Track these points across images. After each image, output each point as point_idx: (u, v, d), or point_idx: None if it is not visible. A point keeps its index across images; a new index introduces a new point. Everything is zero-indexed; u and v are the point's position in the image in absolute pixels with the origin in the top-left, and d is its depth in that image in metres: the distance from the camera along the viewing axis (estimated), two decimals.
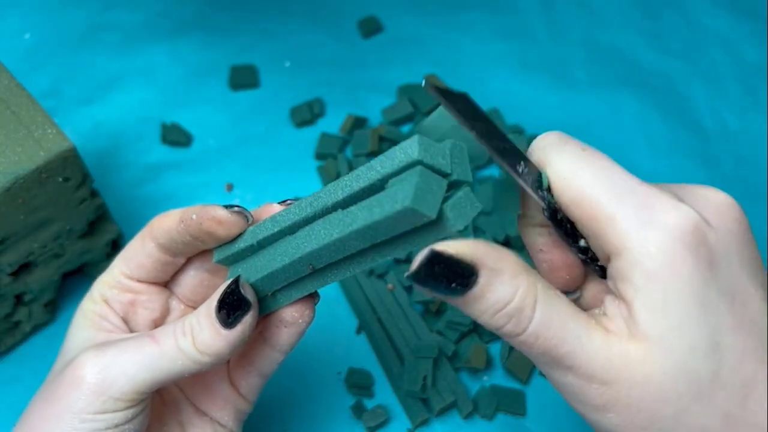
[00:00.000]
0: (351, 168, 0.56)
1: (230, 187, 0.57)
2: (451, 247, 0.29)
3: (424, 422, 0.48)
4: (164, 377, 0.34)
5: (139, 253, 0.37)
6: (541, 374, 0.49)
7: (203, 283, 0.39)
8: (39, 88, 0.59)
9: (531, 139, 0.56)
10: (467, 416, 0.48)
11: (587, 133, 0.59)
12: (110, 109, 0.59)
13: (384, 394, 0.49)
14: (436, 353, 0.48)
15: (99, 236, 0.49)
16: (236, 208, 0.35)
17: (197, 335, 0.34)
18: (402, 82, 0.61)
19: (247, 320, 0.34)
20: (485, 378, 0.50)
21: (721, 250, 0.29)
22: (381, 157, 0.30)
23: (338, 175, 0.56)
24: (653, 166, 0.58)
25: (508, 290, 0.29)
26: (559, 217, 0.31)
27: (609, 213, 0.29)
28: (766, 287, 0.31)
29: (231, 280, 0.34)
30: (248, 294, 0.34)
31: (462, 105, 0.31)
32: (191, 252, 0.37)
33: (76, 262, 0.49)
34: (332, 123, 0.59)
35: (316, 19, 0.64)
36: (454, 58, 0.62)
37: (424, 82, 0.31)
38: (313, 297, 0.36)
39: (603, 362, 0.29)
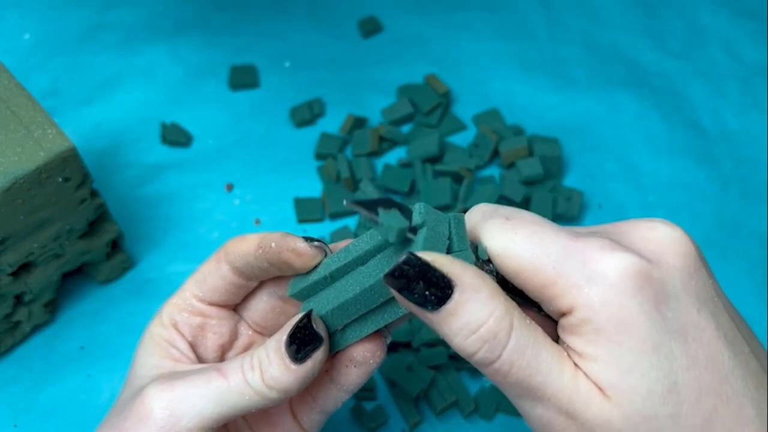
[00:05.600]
0: (351, 168, 0.56)
1: (230, 187, 0.57)
2: (430, 256, 0.29)
3: (417, 424, 0.48)
4: (231, 412, 0.34)
5: (213, 275, 0.37)
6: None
7: (274, 310, 0.38)
8: (39, 88, 0.59)
9: (531, 138, 0.57)
10: (468, 416, 0.48)
11: (587, 133, 0.59)
12: (110, 109, 0.59)
13: (383, 394, 0.50)
14: (445, 359, 0.48)
15: (99, 236, 0.49)
16: (316, 243, 0.35)
17: (266, 369, 0.33)
18: (402, 82, 0.61)
19: (318, 356, 0.34)
20: (485, 378, 0.50)
21: (667, 287, 0.29)
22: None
23: (338, 175, 0.56)
24: (653, 166, 0.58)
25: (483, 311, 0.29)
26: (509, 286, 0.31)
27: (550, 279, 0.30)
28: (721, 313, 0.30)
29: (303, 314, 0.34)
30: (320, 328, 0.34)
31: (387, 207, 0.31)
32: (266, 276, 0.37)
33: (76, 262, 0.49)
34: (332, 123, 0.59)
35: (316, 19, 0.64)
36: (454, 58, 0.62)
37: (345, 202, 0.31)
38: (384, 336, 0.36)
39: (570, 396, 0.29)
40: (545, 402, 0.30)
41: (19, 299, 0.48)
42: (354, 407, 0.48)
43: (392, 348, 0.50)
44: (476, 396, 0.49)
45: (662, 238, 0.31)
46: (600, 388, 0.29)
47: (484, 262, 0.32)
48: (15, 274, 0.46)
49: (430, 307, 0.29)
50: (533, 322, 0.30)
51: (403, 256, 0.29)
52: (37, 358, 0.50)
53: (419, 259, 0.29)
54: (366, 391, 0.49)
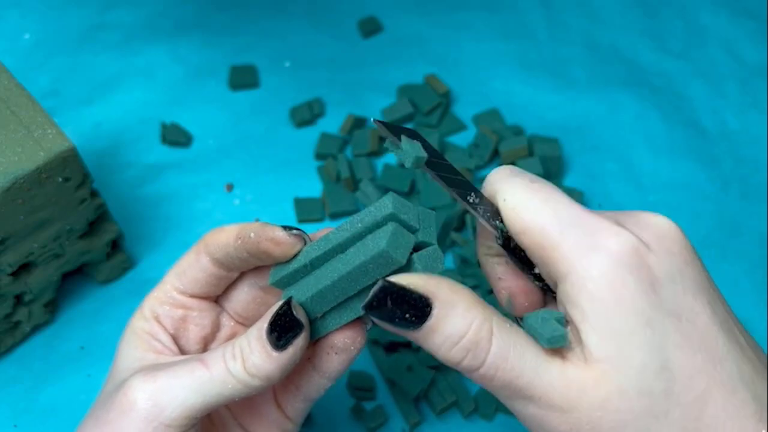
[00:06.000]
0: (351, 168, 0.56)
1: (230, 187, 0.57)
2: (404, 278, 0.31)
3: (417, 424, 0.48)
4: (215, 401, 0.34)
5: (193, 267, 0.37)
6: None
7: (255, 300, 0.39)
8: (39, 88, 0.59)
9: (531, 138, 0.57)
10: (468, 415, 0.49)
11: (587, 133, 0.59)
12: (110, 109, 0.59)
13: (383, 394, 0.50)
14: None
15: (99, 236, 0.49)
16: (295, 231, 0.35)
17: (247, 358, 0.34)
18: (402, 82, 0.61)
19: (299, 342, 0.34)
20: None
21: (663, 272, 0.30)
22: (362, 211, 0.33)
23: (338, 175, 0.56)
24: (653, 166, 0.58)
25: (462, 322, 0.30)
26: (512, 245, 0.33)
27: (554, 241, 0.31)
28: (717, 303, 0.31)
29: (283, 301, 0.34)
30: (300, 315, 0.34)
31: (412, 136, 0.33)
32: (246, 267, 0.37)
33: (76, 262, 0.49)
34: (332, 123, 0.59)
35: (316, 19, 0.64)
36: (454, 58, 0.63)
37: (372, 120, 0.33)
38: (364, 322, 0.36)
39: (561, 390, 0.30)
40: (536, 401, 0.30)
41: (19, 299, 0.48)
42: (354, 407, 0.49)
43: (392, 348, 0.50)
44: (476, 396, 0.49)
45: (661, 228, 0.32)
46: (595, 362, 0.30)
47: (494, 217, 0.33)
48: (15, 274, 0.46)
49: (411, 327, 0.30)
50: (514, 326, 0.31)
51: (379, 284, 0.30)
52: (37, 358, 0.50)
53: (394, 285, 0.30)
54: (366, 391, 0.49)
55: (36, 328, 0.51)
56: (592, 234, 0.30)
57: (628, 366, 0.29)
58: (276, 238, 0.35)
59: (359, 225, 0.33)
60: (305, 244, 0.35)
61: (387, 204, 0.32)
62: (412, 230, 0.32)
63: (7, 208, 0.42)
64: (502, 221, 0.33)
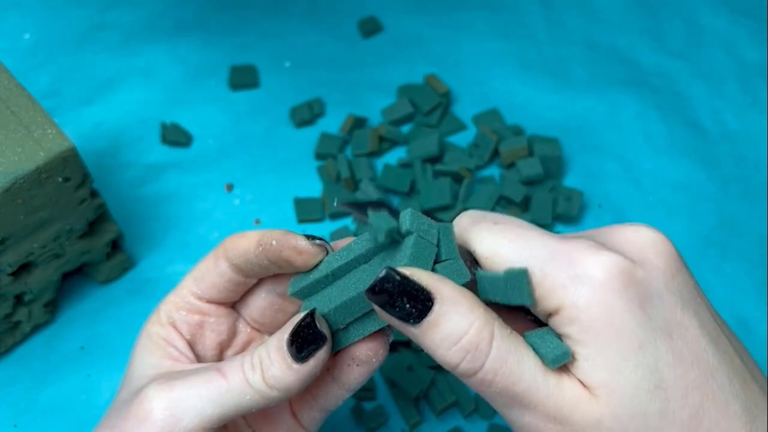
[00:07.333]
0: (351, 168, 0.56)
1: (230, 187, 0.57)
2: (408, 270, 0.30)
3: (417, 424, 0.48)
4: (232, 412, 0.34)
5: (211, 273, 0.37)
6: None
7: (273, 307, 0.38)
8: (39, 88, 0.59)
9: (531, 138, 0.57)
10: (468, 415, 0.49)
11: (587, 133, 0.59)
12: (110, 109, 0.59)
13: (383, 394, 0.50)
14: None
15: (99, 236, 0.49)
16: (318, 241, 0.35)
17: (267, 369, 0.33)
18: (402, 82, 0.61)
19: (321, 355, 0.33)
20: None
21: (651, 286, 0.30)
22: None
23: (338, 175, 0.56)
24: (653, 166, 0.58)
25: (464, 322, 0.30)
26: None
27: (536, 280, 0.30)
28: (703, 312, 0.31)
29: (306, 312, 0.34)
30: (323, 328, 0.34)
31: (377, 208, 0.33)
32: (265, 274, 0.37)
33: (76, 262, 0.49)
34: (332, 123, 0.59)
35: (316, 19, 0.64)
36: (454, 58, 0.62)
37: (335, 203, 0.33)
38: (386, 334, 0.35)
39: (556, 401, 0.30)
40: (532, 409, 0.30)
41: (19, 299, 0.48)
42: (354, 407, 0.49)
43: (392, 348, 0.50)
44: (476, 396, 0.49)
45: (644, 240, 0.31)
46: (589, 388, 0.30)
47: (474, 265, 0.32)
48: (15, 274, 0.46)
49: (412, 321, 0.30)
50: (514, 332, 0.31)
51: (383, 272, 0.30)
52: (37, 358, 0.50)
53: (398, 273, 0.30)
54: (366, 391, 0.49)
55: (36, 328, 0.51)
56: (572, 264, 0.30)
57: (621, 390, 0.29)
58: (298, 247, 0.34)
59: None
60: (327, 254, 0.35)
61: (405, 221, 0.32)
62: (433, 247, 0.32)
63: (7, 208, 0.42)
64: (479, 266, 0.32)
